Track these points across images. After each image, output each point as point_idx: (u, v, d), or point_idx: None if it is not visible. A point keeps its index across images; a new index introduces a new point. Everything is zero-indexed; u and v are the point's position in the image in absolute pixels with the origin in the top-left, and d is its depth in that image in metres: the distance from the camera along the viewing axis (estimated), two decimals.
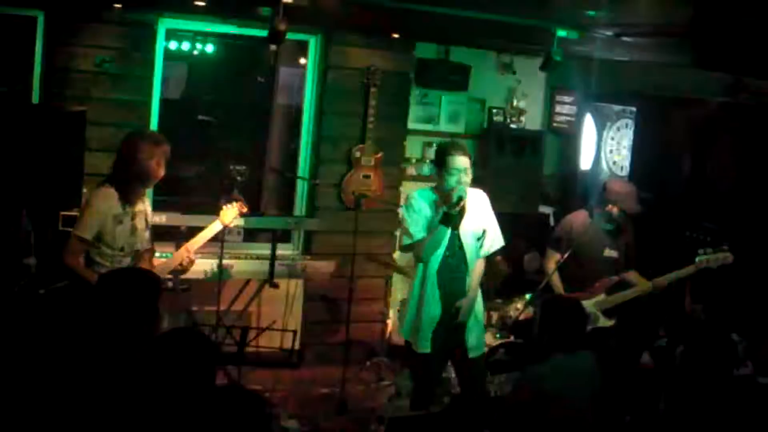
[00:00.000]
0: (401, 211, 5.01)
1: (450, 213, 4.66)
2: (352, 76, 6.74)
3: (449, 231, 4.78)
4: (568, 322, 4.23)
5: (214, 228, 5.24)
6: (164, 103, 6.48)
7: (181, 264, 5.11)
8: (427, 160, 7.30)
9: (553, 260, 5.70)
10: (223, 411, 3.17)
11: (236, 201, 5.36)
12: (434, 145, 6.39)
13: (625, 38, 5.41)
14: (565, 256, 5.54)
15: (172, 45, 6.70)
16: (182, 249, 5.13)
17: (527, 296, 6.00)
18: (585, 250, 5.60)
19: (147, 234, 4.95)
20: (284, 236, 6.61)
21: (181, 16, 6.35)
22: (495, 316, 6.26)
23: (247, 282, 5.99)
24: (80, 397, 3.23)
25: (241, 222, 5.91)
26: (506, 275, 6.56)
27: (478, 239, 4.92)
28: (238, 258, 6.12)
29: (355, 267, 6.19)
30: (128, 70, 6.10)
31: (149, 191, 5.32)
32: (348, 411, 5.88)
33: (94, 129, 5.78)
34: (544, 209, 7.66)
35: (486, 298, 5.87)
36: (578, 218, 5.77)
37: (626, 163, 6.97)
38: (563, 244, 5.66)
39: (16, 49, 5.96)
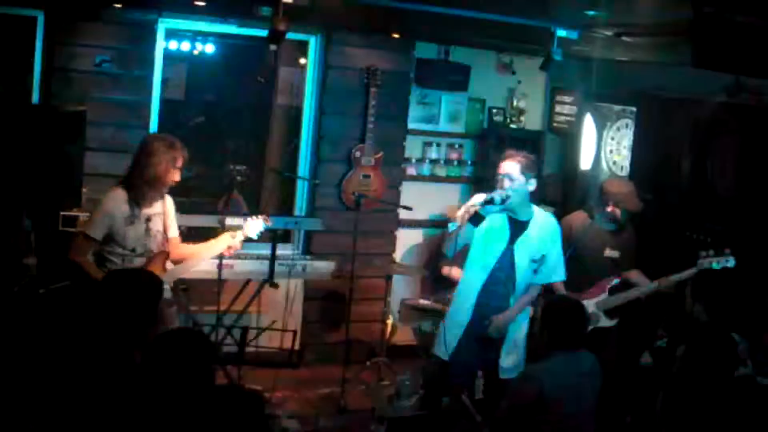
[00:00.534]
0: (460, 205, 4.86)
1: (477, 212, 4.54)
2: (352, 76, 6.74)
3: (501, 241, 4.73)
4: (568, 321, 4.23)
5: (237, 238, 5.15)
6: (164, 103, 6.48)
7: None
8: (427, 160, 7.31)
9: None
10: (222, 411, 3.17)
11: (261, 214, 5.30)
12: None
13: (625, 38, 5.41)
14: (566, 256, 5.54)
15: (172, 45, 6.70)
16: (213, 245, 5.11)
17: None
18: (586, 250, 5.60)
19: (161, 237, 4.93)
20: (284, 236, 6.61)
21: (181, 16, 6.34)
22: None
23: (247, 282, 5.99)
24: (80, 397, 3.23)
25: (240, 222, 5.90)
26: None
27: (534, 261, 4.82)
28: (238, 258, 6.12)
29: (355, 267, 6.19)
30: (128, 70, 6.10)
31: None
32: (348, 411, 5.88)
33: (93, 129, 5.78)
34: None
35: None
36: (578, 219, 5.77)
37: (626, 163, 6.96)
38: (563, 244, 5.65)
39: (15, 49, 5.96)
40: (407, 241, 7.25)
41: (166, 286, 4.85)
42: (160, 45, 6.30)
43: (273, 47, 5.58)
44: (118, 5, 5.88)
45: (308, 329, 6.75)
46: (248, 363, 5.45)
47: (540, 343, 4.28)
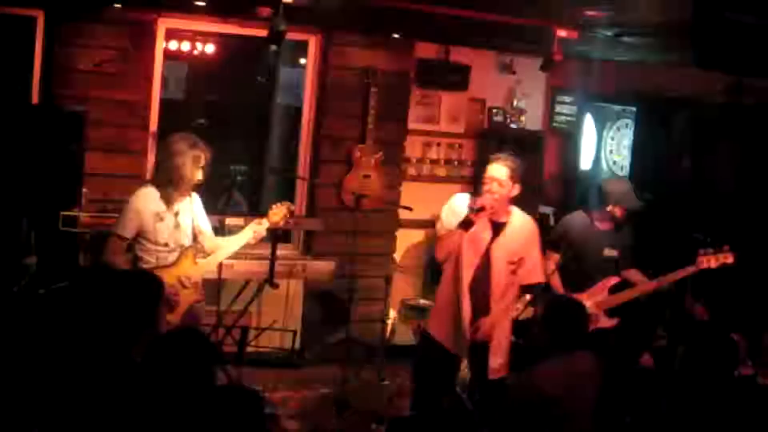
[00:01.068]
0: (445, 208, 5.05)
1: (468, 218, 4.70)
2: (352, 76, 6.74)
3: (483, 241, 4.82)
4: (568, 322, 4.23)
5: (263, 225, 5.18)
6: (164, 103, 6.48)
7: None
8: (428, 161, 7.31)
9: (552, 261, 5.70)
10: (221, 410, 3.17)
11: (283, 202, 5.31)
12: None
13: (625, 38, 5.41)
14: (565, 256, 5.54)
15: (172, 45, 6.70)
16: (242, 237, 5.13)
17: (527, 296, 5.98)
18: (585, 250, 5.60)
19: (193, 230, 4.99)
20: (284, 236, 6.61)
21: (181, 16, 6.34)
22: None
23: (247, 282, 5.99)
24: (80, 396, 3.23)
25: (240, 222, 5.92)
26: None
27: (511, 263, 4.90)
28: (238, 258, 6.12)
29: (355, 267, 6.19)
30: (128, 70, 6.10)
31: None
32: (348, 411, 5.88)
33: (94, 129, 5.79)
34: (544, 209, 7.66)
35: None
36: (577, 218, 5.76)
37: (626, 163, 6.97)
38: (562, 244, 5.66)
39: (16, 49, 5.96)
40: (407, 241, 7.25)
41: (197, 280, 4.97)
42: (160, 45, 6.29)
43: (273, 47, 5.58)
44: (118, 5, 5.88)
45: (308, 329, 6.75)
46: (248, 363, 5.46)
47: (540, 344, 4.27)
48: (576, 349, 4.20)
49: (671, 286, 5.44)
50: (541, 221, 7.50)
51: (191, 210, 5.02)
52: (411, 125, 7.15)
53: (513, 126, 7.50)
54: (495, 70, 7.48)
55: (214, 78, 8.33)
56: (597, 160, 7.30)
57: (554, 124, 7.75)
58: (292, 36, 6.11)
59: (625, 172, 6.94)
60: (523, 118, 7.55)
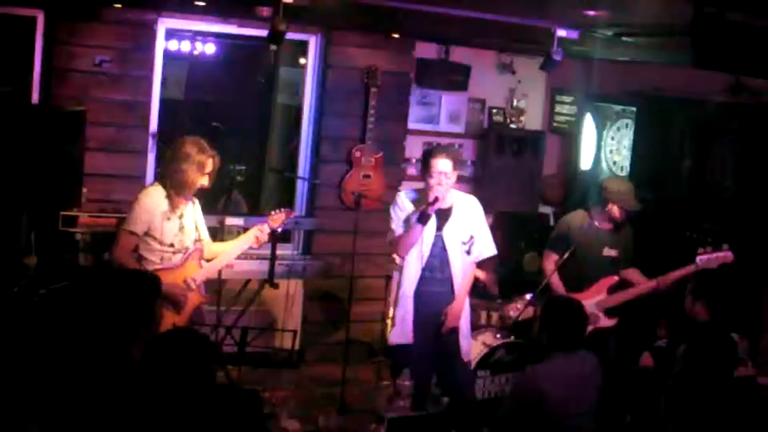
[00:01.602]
0: (390, 210, 5.19)
1: (425, 212, 4.86)
2: (352, 76, 6.74)
3: (429, 229, 4.95)
4: (568, 321, 4.23)
5: (264, 234, 5.22)
6: (164, 103, 6.48)
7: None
8: None
9: (552, 261, 5.70)
10: (221, 410, 3.17)
11: (284, 208, 5.38)
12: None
13: (625, 38, 5.41)
14: (565, 256, 5.54)
15: (172, 45, 6.70)
16: (240, 241, 5.20)
17: (527, 296, 6.00)
18: (584, 249, 5.60)
19: (195, 234, 5.00)
20: (284, 236, 6.61)
21: (181, 16, 6.34)
22: (495, 316, 6.26)
23: (247, 282, 5.99)
24: (79, 396, 3.23)
25: (240, 222, 5.93)
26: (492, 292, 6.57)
27: (464, 243, 5.08)
28: (238, 258, 6.11)
29: (355, 267, 6.19)
30: (128, 70, 6.10)
31: None
32: (348, 411, 5.88)
33: (93, 129, 5.79)
34: (544, 209, 7.66)
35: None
36: (576, 218, 5.76)
37: (626, 163, 6.96)
38: (562, 244, 5.65)
39: (16, 49, 5.96)
40: None
41: (200, 283, 5.00)
42: (160, 45, 6.30)
43: (273, 47, 5.58)
44: (118, 5, 5.88)
45: (308, 329, 6.75)
46: (248, 363, 5.45)
47: (539, 344, 4.28)
48: (576, 349, 4.20)
49: (671, 285, 5.44)
50: (541, 221, 7.52)
51: (194, 214, 5.03)
52: (411, 125, 7.15)
53: (513, 126, 7.50)
54: (495, 70, 7.48)
55: (214, 78, 8.32)
56: (597, 160, 7.30)
57: (554, 124, 7.75)
58: (292, 36, 6.11)
59: (625, 172, 6.94)
60: (523, 118, 7.56)
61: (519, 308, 5.98)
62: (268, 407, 5.55)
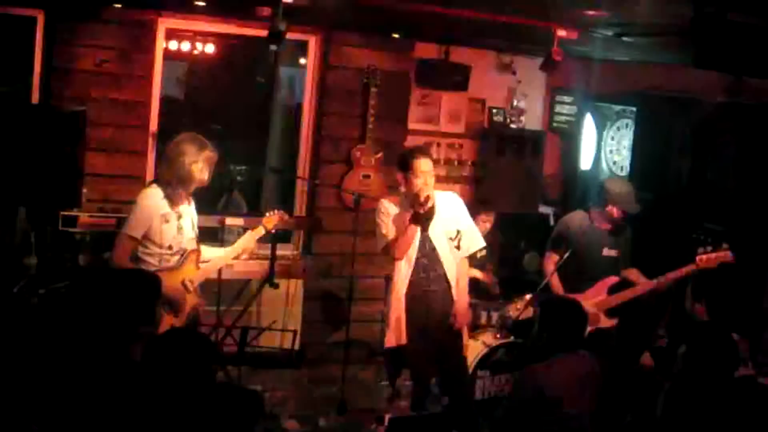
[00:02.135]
0: (376, 218, 5.18)
1: (418, 213, 4.91)
2: (352, 76, 6.74)
3: (419, 231, 4.99)
4: (568, 322, 4.22)
5: (258, 232, 5.29)
6: (164, 103, 6.48)
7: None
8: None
9: (551, 261, 5.70)
10: (221, 410, 3.18)
11: (278, 210, 5.43)
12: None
13: (625, 38, 5.41)
14: (564, 256, 5.54)
15: (172, 45, 6.70)
16: (235, 249, 5.21)
17: (527, 296, 6.00)
18: (584, 250, 5.59)
19: (193, 234, 4.99)
20: (284, 236, 6.61)
21: (181, 16, 6.34)
22: (495, 316, 6.26)
23: (247, 282, 5.99)
24: (78, 395, 3.23)
25: (240, 222, 5.94)
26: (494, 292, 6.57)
27: (452, 239, 5.11)
28: (238, 258, 6.11)
29: (355, 267, 6.19)
30: (128, 70, 6.09)
31: None
32: (348, 411, 5.88)
33: (94, 129, 5.78)
34: (544, 209, 7.66)
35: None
36: (576, 218, 5.76)
37: (626, 163, 6.97)
38: (561, 244, 5.65)
39: (16, 49, 5.96)
40: None
41: (198, 285, 4.98)
42: (160, 45, 6.29)
43: (273, 47, 5.58)
44: (118, 5, 5.88)
45: (308, 329, 6.75)
46: (248, 363, 5.45)
47: (539, 344, 4.27)
48: (576, 349, 4.20)
49: (671, 285, 5.44)
50: (541, 221, 7.52)
51: (191, 214, 5.02)
52: (411, 125, 7.15)
53: (513, 126, 7.50)
54: (495, 70, 7.48)
55: (214, 78, 8.33)
56: (597, 160, 7.31)
57: (554, 124, 7.75)
58: (292, 36, 6.11)
59: (625, 172, 6.95)
60: (523, 118, 7.55)
61: (519, 308, 5.98)
62: (268, 407, 5.56)
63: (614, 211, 5.56)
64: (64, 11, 5.86)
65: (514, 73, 7.48)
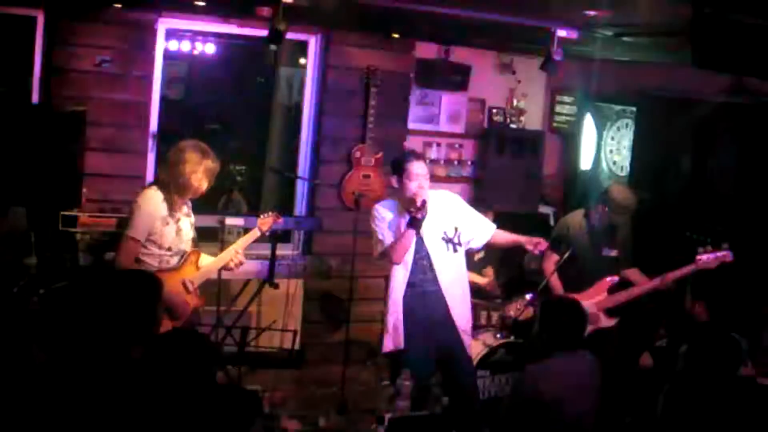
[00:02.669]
0: (371, 224, 5.19)
1: (416, 217, 4.90)
2: (352, 76, 6.74)
3: (415, 233, 4.99)
4: (568, 322, 4.23)
5: (254, 233, 5.30)
6: (164, 103, 6.48)
7: (227, 266, 5.20)
8: (428, 161, 7.29)
9: (551, 261, 5.70)
10: (221, 410, 3.18)
11: (272, 212, 5.44)
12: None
13: (625, 38, 5.40)
14: (564, 257, 5.54)
15: (172, 45, 6.70)
16: (230, 250, 5.19)
17: (527, 296, 6.00)
18: (584, 250, 5.60)
19: (191, 236, 5.01)
20: (284, 236, 6.61)
21: (181, 16, 6.34)
22: (495, 316, 6.26)
23: (247, 282, 5.99)
24: (79, 396, 3.23)
25: (240, 222, 5.94)
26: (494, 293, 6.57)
27: (449, 239, 5.11)
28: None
29: (355, 267, 6.19)
30: (128, 70, 6.09)
31: None
32: (348, 411, 5.88)
33: (93, 129, 5.79)
34: (544, 209, 7.66)
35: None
36: (575, 218, 5.77)
37: (626, 163, 6.97)
38: (562, 244, 5.66)
39: (15, 49, 5.96)
40: None
41: (197, 285, 4.99)
42: (160, 45, 6.29)
43: (273, 47, 5.58)
44: (118, 5, 5.88)
45: (308, 329, 6.75)
46: (248, 363, 5.45)
47: (539, 344, 4.27)
48: (575, 349, 4.20)
49: (671, 285, 5.45)
50: (541, 221, 7.52)
51: (189, 216, 5.03)
52: (411, 125, 7.15)
53: (513, 126, 7.50)
54: (495, 70, 7.49)
55: (214, 78, 8.33)
56: (597, 160, 7.31)
57: (554, 124, 7.76)
58: (292, 36, 6.11)
59: (625, 172, 6.94)
60: (523, 118, 7.56)
61: (519, 308, 5.99)
62: (267, 407, 5.55)
63: (605, 211, 5.57)
64: (64, 11, 5.86)
65: (514, 73, 7.49)
